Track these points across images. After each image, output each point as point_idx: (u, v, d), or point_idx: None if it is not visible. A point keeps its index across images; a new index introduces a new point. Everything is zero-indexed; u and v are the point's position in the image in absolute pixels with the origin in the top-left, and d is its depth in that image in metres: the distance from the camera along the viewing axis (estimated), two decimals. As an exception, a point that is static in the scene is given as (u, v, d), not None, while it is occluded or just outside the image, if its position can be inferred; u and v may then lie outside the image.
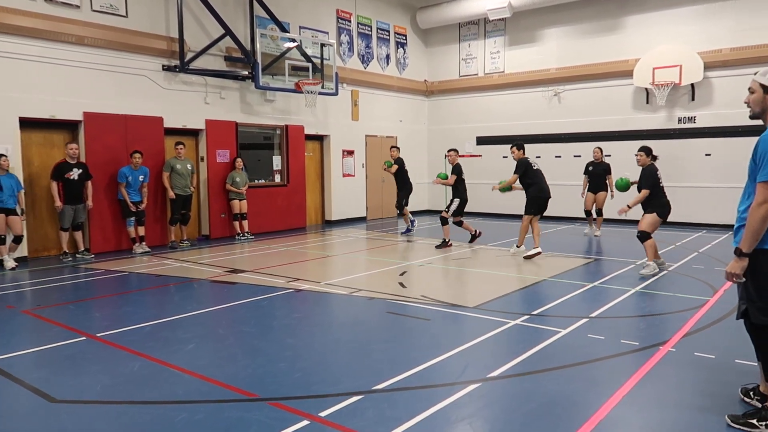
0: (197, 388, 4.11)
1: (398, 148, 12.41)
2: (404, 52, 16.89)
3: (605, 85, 14.35)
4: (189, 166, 10.95)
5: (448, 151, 10.82)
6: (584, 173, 11.85)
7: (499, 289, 7.07)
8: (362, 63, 15.52)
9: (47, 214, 9.73)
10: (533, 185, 9.24)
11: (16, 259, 8.85)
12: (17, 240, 8.84)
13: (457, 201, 10.37)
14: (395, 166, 11.91)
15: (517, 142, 9.64)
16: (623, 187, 8.57)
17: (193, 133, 11.89)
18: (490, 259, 9.29)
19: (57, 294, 7.20)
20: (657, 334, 5.23)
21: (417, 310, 6.13)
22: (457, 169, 10.37)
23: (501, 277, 7.92)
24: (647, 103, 13.75)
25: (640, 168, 7.81)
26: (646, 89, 13.53)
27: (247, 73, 12.17)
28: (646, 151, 7.80)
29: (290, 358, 4.78)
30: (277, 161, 13.43)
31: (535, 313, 5.95)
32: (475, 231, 10.76)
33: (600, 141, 13.89)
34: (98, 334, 5.37)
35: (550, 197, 9.36)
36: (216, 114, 12.02)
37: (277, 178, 13.42)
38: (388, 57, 16.34)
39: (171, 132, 11.27)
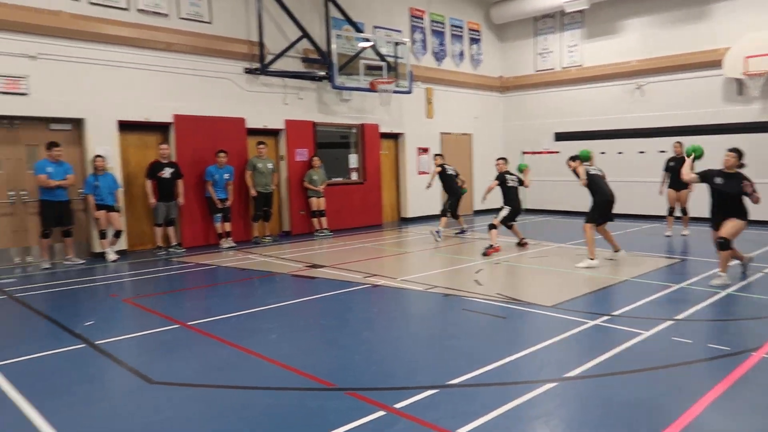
0: (280, 376, 4.33)
1: (441, 156, 12.23)
2: (478, 48, 16.74)
3: (692, 77, 13.62)
4: (270, 165, 11.40)
5: (497, 159, 10.54)
6: (664, 170, 11.28)
7: (577, 289, 6.93)
8: (436, 60, 15.53)
9: (143, 211, 10.44)
10: (597, 192, 8.67)
11: (117, 252, 9.56)
12: (117, 234, 9.56)
13: (507, 209, 10.11)
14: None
15: (573, 155, 9.05)
16: (696, 152, 7.55)
17: (274, 133, 12.35)
18: (569, 258, 9.08)
19: (153, 285, 7.73)
20: (749, 339, 4.97)
21: (492, 308, 6.12)
22: (500, 177, 10.14)
23: (580, 276, 7.74)
24: (739, 94, 12.92)
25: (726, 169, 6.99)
26: (738, 80, 12.73)
27: (323, 73, 12.50)
28: (740, 154, 6.98)
29: (367, 351, 4.92)
30: (353, 159, 13.70)
31: (615, 313, 5.80)
32: (522, 239, 10.38)
33: (687, 135, 13.17)
34: (190, 323, 5.73)
35: (614, 201, 8.79)
36: (294, 114, 12.42)
37: (354, 176, 13.69)
38: (461, 54, 16.25)
39: (253, 132, 11.76)
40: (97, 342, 5.12)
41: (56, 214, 8.87)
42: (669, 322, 5.43)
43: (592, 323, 5.48)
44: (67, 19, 9.34)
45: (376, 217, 13.94)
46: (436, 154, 12.41)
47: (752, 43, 12.26)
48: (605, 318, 5.63)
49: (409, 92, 13.84)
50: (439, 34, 15.61)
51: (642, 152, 14.44)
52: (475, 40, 16.65)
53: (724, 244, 6.92)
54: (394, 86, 13.20)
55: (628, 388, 4.01)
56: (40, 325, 5.81)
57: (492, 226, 9.91)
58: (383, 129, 14.14)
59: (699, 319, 5.57)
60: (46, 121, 9.42)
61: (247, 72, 11.57)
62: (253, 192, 11.13)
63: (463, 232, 12.02)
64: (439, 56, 15.62)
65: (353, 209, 13.40)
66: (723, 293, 6.53)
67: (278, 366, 4.53)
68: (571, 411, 3.69)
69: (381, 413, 3.64)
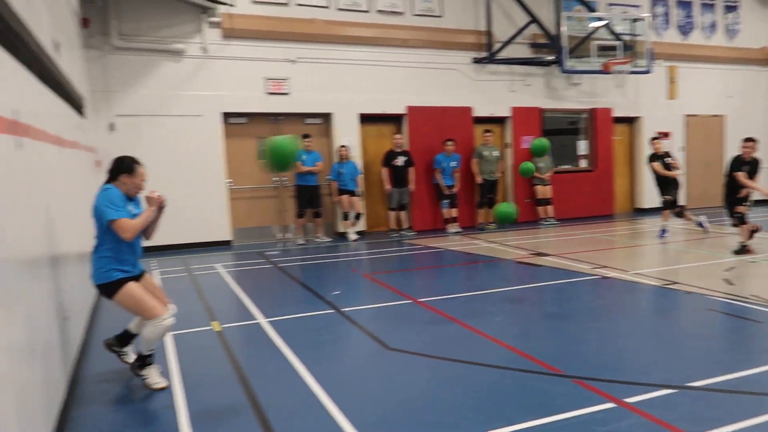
0: (504, 356, 4.45)
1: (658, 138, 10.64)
2: (735, 16, 14.60)
3: None
4: (495, 153, 11.52)
5: (748, 141, 8.37)
6: None
7: None
8: (681, 34, 13.98)
9: (379, 196, 11.41)
10: None
11: (357, 233, 10.64)
12: (357, 217, 10.63)
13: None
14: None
15: None
16: None
17: (500, 121, 12.41)
18: None
19: (387, 263, 8.46)
20: None
21: (745, 310, 5.43)
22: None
23: None
24: None
25: None
26: None
27: (552, 58, 12.15)
28: None
29: (594, 342, 4.78)
30: (582, 146, 13.11)
31: None
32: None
33: None
34: (420, 299, 6.17)
35: None
36: (521, 101, 12.32)
37: (583, 164, 13.10)
38: (713, 24, 14.35)
39: (479, 120, 11.99)
40: (343, 309, 5.82)
41: (308, 197, 10.19)
42: None
43: None
44: (320, 25, 10.60)
45: (607, 207, 13.16)
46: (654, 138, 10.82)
47: None
48: None
49: (647, 72, 12.74)
50: (685, 5, 14.01)
51: None
52: (730, 8, 14.56)
53: None
54: (631, 66, 12.27)
55: None
56: (298, 291, 6.79)
57: (741, 219, 8.21)
58: (617, 113, 13.24)
59: None
60: (302, 116, 10.84)
61: (475, 62, 11.82)
62: (478, 179, 11.38)
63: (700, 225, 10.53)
64: (684, 30, 14.03)
65: (582, 198, 12.84)
66: None
67: (503, 346, 4.66)
68: None
69: (610, 405, 3.54)
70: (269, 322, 5.41)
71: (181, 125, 9.73)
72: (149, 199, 3.98)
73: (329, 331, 5.19)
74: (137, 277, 4.02)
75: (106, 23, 9.24)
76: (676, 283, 6.51)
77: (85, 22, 8.74)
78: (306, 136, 10.22)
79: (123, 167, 3.91)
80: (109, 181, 3.91)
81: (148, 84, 9.58)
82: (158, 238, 9.44)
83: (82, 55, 8.15)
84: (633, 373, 4.05)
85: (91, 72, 9.00)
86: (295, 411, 3.55)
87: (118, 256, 3.82)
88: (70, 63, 5.79)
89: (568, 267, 7.56)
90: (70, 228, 4.79)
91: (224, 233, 10.16)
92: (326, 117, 11.01)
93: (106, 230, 3.76)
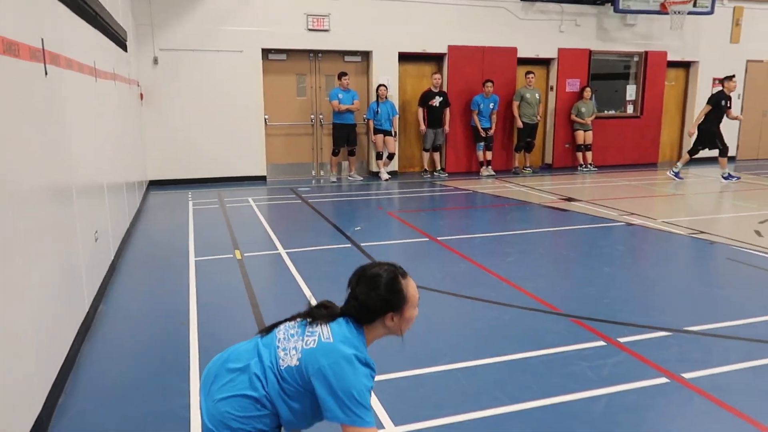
0: (509, 295, 4.54)
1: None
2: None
3: None
4: (537, 96, 11.21)
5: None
6: None
7: None
8: (752, -29, 12.94)
9: (414, 136, 11.37)
10: None
11: (389, 173, 10.70)
12: (390, 157, 10.67)
13: None
14: None
15: None
16: None
17: (545, 63, 12.00)
18: None
19: (415, 203, 8.56)
20: None
21: (765, 261, 5.29)
22: None
23: None
24: None
25: None
26: None
27: (606, -4, 11.53)
28: None
29: (602, 285, 4.80)
30: (630, 91, 12.56)
31: None
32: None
33: None
34: (438, 238, 6.27)
35: None
36: (570, 42, 11.82)
37: (630, 109, 12.59)
38: (792, -40, 13.19)
39: (523, 62, 11.61)
40: (361, 244, 5.98)
41: (344, 136, 10.27)
42: None
43: None
44: (359, -41, 10.36)
45: (652, 156, 12.70)
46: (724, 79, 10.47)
47: None
48: None
49: (710, 13, 11.94)
50: (760, -63, 12.88)
51: None
52: (813, -59, 13.30)
53: None
54: (691, 6, 11.51)
55: None
56: (323, 226, 6.99)
57: None
58: (671, 57, 12.54)
59: None
60: (342, 54, 10.78)
61: (523, 0, 11.35)
62: (519, 123, 11.13)
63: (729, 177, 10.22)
64: (756, -34, 12.95)
65: (625, 145, 12.41)
66: None
67: (510, 285, 4.74)
68: (835, 384, 3.14)
69: (601, 343, 3.61)
70: (288, 252, 5.64)
71: (221, 61, 9.87)
72: None
73: (344, 264, 5.37)
74: None
75: (148, -44, 9.35)
76: (703, 232, 6.36)
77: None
78: (343, 74, 10.21)
79: (394, 298, 1.94)
80: (358, 319, 1.96)
81: (191, 19, 9.70)
82: (195, 172, 9.96)
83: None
84: (632, 316, 4.08)
85: (136, 6, 9.18)
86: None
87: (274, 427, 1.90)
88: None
89: (596, 213, 7.45)
90: (101, 155, 5.06)
91: (260, 168, 10.41)
92: (366, 55, 10.92)
93: (294, 405, 1.86)
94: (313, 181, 10.50)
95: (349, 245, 5.96)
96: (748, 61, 13.19)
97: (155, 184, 9.66)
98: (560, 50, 11.77)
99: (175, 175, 9.91)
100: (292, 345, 1.88)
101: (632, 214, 7.37)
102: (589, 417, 2.79)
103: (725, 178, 10.10)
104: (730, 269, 5.19)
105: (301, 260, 5.39)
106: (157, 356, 3.54)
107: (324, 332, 1.88)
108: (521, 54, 11.53)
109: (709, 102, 10.21)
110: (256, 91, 10.14)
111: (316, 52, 10.63)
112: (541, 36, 11.65)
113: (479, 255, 5.59)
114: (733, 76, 10.43)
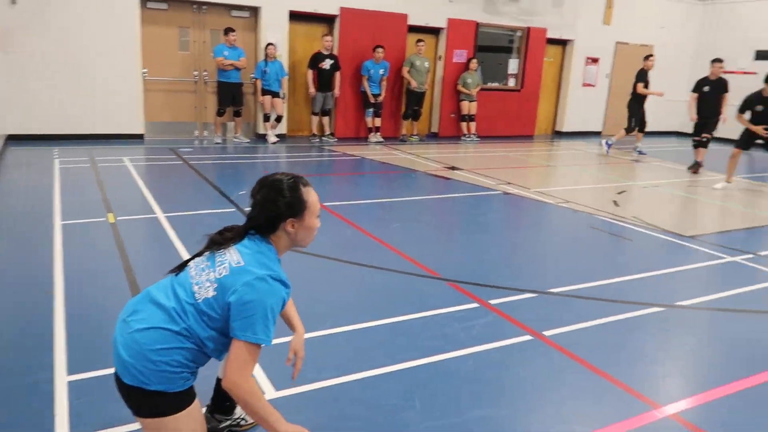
0: (391, 260, 4.67)
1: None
2: (680, -56, 14.58)
3: None
4: (426, 64, 11.39)
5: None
6: None
7: (727, 223, 6.33)
8: (624, -42, 13.89)
9: (303, 99, 11.17)
10: None
11: (277, 135, 10.47)
12: (278, 119, 10.42)
13: None
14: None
15: None
16: None
17: (434, 32, 12.19)
18: (732, 191, 8.18)
19: (302, 167, 8.46)
20: None
21: (623, 230, 5.87)
22: None
23: (736, 211, 7.01)
24: None
25: None
26: None
27: (494, -31, 11.86)
28: None
29: (478, 251, 5.08)
30: (513, 65, 13.15)
31: (763, 253, 5.26)
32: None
33: None
34: (325, 203, 6.27)
35: None
36: (458, 13, 12.08)
37: (512, 83, 13.21)
38: (657, -49, 14.30)
39: (413, 29, 11.72)
40: (246, 209, 5.83)
41: (229, 95, 9.85)
42: (825, 272, 4.83)
43: (729, 259, 5.06)
44: None
45: (529, 128, 13.47)
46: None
47: None
48: (748, 256, 5.15)
49: (586, -6, 12.71)
50: (632, -73, 13.81)
51: None
52: (675, -65, 14.49)
53: None
54: (569, -14, 12.17)
55: (740, 325, 3.77)
56: (205, 189, 6.74)
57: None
58: (551, 34, 13.25)
59: None
60: (229, 8, 10.25)
61: (413, -34, 11.38)
62: (413, 84, 11.16)
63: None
64: (627, -47, 13.92)
65: (506, 117, 13.04)
66: None
67: (392, 251, 4.88)
68: (669, 336, 3.59)
69: (474, 305, 3.84)
70: (167, 216, 5.39)
71: (93, 5, 9.02)
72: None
73: (227, 228, 5.23)
74: None
75: None
76: (570, 202, 6.90)
77: None
78: (230, 29, 9.72)
79: (295, 203, 1.97)
80: (262, 234, 1.98)
81: (55, -45, 8.73)
82: (62, 126, 9.13)
83: None
84: (504, 279, 4.37)
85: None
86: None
87: (196, 360, 1.92)
88: None
89: (476, 182, 7.82)
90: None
91: (137, 126, 9.73)
92: (254, 11, 10.46)
93: (218, 335, 1.89)
94: (196, 142, 10.03)
95: (233, 209, 5.81)
96: (617, 42, 14.26)
97: (14, 140, 8.73)
98: (450, 20, 12.01)
99: (39, 129, 9.01)
100: (205, 278, 1.91)
101: (509, 183, 7.82)
102: (459, 374, 2.99)
103: (639, 152, 11.16)
104: (590, 235, 5.70)
105: (180, 225, 5.18)
106: (17, 329, 3.28)
107: (234, 257, 1.91)
108: (412, 21, 11.62)
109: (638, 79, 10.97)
110: (132, 42, 9.39)
111: (200, 4, 10.02)
112: (432, 5, 11.80)
113: (364, 221, 5.68)
114: (651, 55, 11.32)
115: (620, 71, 14.40)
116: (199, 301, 1.87)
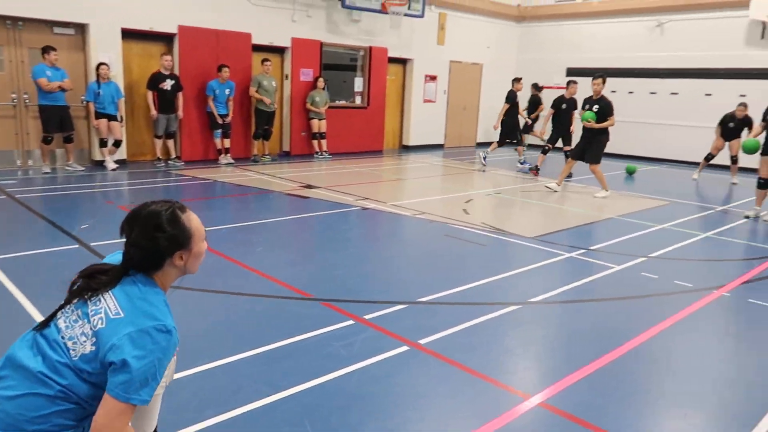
0: (261, 285, 4.57)
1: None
2: (498, -27, 16.11)
3: (716, 16, 13.16)
4: (273, 83, 11.32)
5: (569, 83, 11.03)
6: (719, 124, 11.04)
7: (562, 223, 7.08)
8: (452, -16, 15.01)
9: (144, 122, 10.50)
10: (606, 130, 8.97)
11: (116, 161, 9.71)
12: (117, 144, 9.68)
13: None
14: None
15: (602, 74, 9.08)
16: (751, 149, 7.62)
17: (279, 51, 12.18)
18: (564, 194, 9.17)
19: (149, 194, 7.93)
20: (715, 278, 5.14)
21: (474, 236, 6.30)
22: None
23: (568, 212, 7.87)
24: (762, 38, 12.53)
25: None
26: (764, 22, 12.29)
27: (333, -9, 12.16)
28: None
29: (347, 267, 5.15)
30: (358, 83, 13.55)
31: (592, 248, 5.97)
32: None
33: (703, 78, 13.01)
34: (181, 231, 5.95)
35: None
36: (302, 32, 12.19)
37: (358, 100, 13.60)
38: (479, -23, 15.66)
39: (258, 48, 11.60)
40: (91, 244, 5.35)
41: (56, 120, 8.94)
42: (642, 259, 5.61)
43: (567, 255, 5.66)
44: None
45: (378, 143, 13.96)
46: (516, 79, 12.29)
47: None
48: (581, 251, 5.81)
49: (421, 16, 13.50)
50: (456, -45, 14.98)
51: (653, 93, 14.20)
52: (493, -35, 15.99)
53: (765, 184, 7.60)
54: (406, 9, 12.86)
55: (587, 314, 4.23)
56: (38, 226, 6.04)
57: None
58: (391, 53, 13.88)
59: (673, 258, 5.74)
60: (50, 24, 9.34)
61: (253, -15, 11.29)
62: (267, 101, 10.96)
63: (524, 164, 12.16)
64: (454, -20, 15.07)
65: (355, 133, 13.39)
66: (702, 235, 6.67)
67: (261, 275, 4.77)
68: (527, 330, 3.92)
69: (350, 322, 3.88)
70: (-4, 259, 4.76)
71: None
72: None
73: (71, 267, 4.70)
74: None
75: None
76: (425, 213, 7.26)
77: None
78: (51, 48, 8.84)
79: (180, 235, 1.85)
80: (145, 272, 1.84)
81: None
82: None
83: None
84: (375, 294, 4.48)
85: None
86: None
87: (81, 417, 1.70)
88: None
89: (334, 198, 7.92)
90: None
91: (-56, 157, 8.50)
92: (81, 28, 9.63)
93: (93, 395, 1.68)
94: (20, 173, 8.96)
95: (76, 245, 5.29)
96: (450, 61, 15.32)
97: None
98: (294, 39, 12.07)
99: None
100: (79, 331, 1.69)
101: (366, 198, 8.03)
102: (345, 392, 3.00)
103: (521, 164, 12.04)
104: (447, 244, 6.04)
105: (13, 268, 4.59)
106: None
107: (111, 306, 1.71)
108: (256, 41, 11.50)
109: (507, 100, 11.80)
110: (-69, 62, 8.18)
111: (15, 20, 9.01)
112: (275, 24, 11.78)
113: (227, 247, 5.49)
114: (519, 78, 12.40)
115: (456, 88, 15.50)
116: (76, 358, 1.66)
